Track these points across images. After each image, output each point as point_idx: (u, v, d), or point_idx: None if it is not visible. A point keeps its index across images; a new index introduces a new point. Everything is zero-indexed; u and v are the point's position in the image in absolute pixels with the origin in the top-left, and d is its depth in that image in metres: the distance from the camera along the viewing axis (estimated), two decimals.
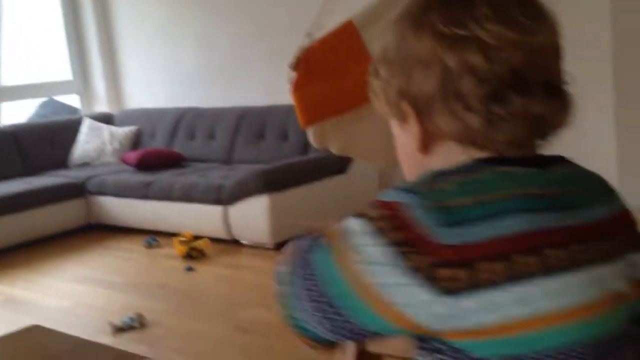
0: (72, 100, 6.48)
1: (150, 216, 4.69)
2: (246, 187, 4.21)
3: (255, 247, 4.24)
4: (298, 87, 3.09)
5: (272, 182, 4.18)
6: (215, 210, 4.33)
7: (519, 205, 0.69)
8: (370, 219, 0.70)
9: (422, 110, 0.76)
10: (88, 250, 4.56)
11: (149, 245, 4.45)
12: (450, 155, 0.76)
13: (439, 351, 0.69)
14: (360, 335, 0.73)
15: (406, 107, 0.77)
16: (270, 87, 5.01)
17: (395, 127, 0.82)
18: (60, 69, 6.22)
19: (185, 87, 5.75)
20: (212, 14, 5.45)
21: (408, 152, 0.81)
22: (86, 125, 5.70)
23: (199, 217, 4.41)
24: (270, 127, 4.99)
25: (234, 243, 4.36)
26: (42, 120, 6.05)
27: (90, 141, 5.63)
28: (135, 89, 6.11)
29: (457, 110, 0.72)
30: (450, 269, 0.65)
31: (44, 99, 6.52)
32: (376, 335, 0.72)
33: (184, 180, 4.64)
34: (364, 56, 2.77)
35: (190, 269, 3.91)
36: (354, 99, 2.86)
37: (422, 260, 0.66)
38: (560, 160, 0.78)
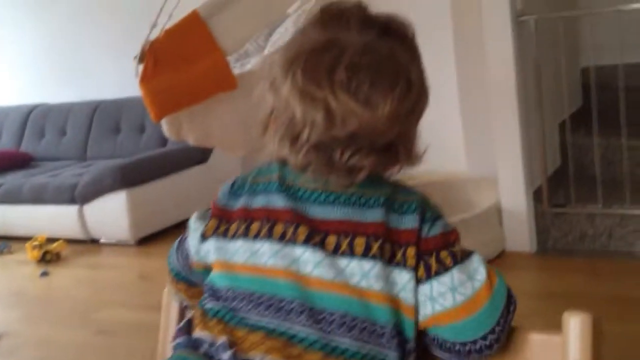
0: None
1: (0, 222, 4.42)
2: (102, 184, 4.06)
3: (116, 245, 4.10)
4: (146, 80, 3.00)
5: (130, 176, 4.06)
6: (70, 210, 4.14)
7: (269, 188, 0.90)
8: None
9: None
10: None
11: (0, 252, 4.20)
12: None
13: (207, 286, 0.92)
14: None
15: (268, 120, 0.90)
16: (124, 78, 4.82)
17: None
18: None
19: (33, 83, 5.45)
20: (56, 3, 5.19)
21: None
22: None
23: (53, 219, 4.20)
24: (126, 120, 4.83)
25: (93, 243, 4.20)
26: None
27: None
28: None
29: (286, 146, 0.84)
30: (211, 220, 0.93)
31: None
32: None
33: (34, 181, 4.40)
34: (211, 46, 2.74)
35: (45, 274, 3.72)
36: (205, 89, 2.82)
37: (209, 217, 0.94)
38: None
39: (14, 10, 5.38)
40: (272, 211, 0.87)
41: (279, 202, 0.87)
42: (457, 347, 0.83)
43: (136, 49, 2.62)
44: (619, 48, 2.95)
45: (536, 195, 3.21)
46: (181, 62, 2.68)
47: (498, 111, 3.12)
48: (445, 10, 3.46)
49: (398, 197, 0.87)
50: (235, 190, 0.93)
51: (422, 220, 0.85)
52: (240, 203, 0.91)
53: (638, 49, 3.04)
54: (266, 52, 3.18)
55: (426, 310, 0.82)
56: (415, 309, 0.82)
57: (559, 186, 3.35)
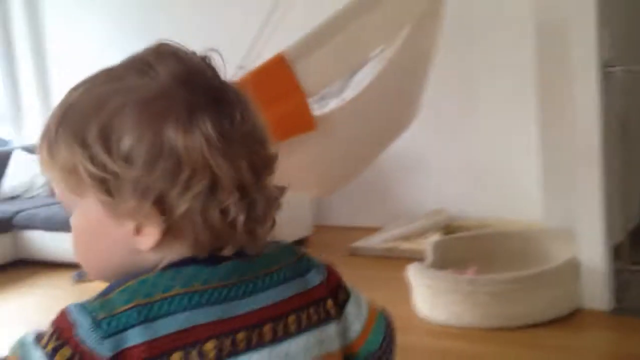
0: (3, 132, 6.33)
1: None
2: None
3: None
4: None
5: None
6: None
7: (178, 305, 0.69)
8: (43, 341, 0.68)
9: (170, 215, 0.70)
10: (14, 288, 4.41)
11: (79, 280, 4.34)
12: (167, 252, 0.73)
13: None
14: None
15: (149, 207, 0.69)
16: None
17: (97, 216, 0.72)
18: None
19: None
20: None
21: (117, 247, 0.73)
22: (16, 157, 5.57)
23: None
24: None
25: None
26: None
27: (20, 174, 5.50)
28: None
29: (215, 218, 0.70)
30: None
31: None
32: None
33: None
34: (294, 88, 2.81)
35: None
36: (285, 130, 2.89)
37: None
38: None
39: (108, 60, 5.67)
40: (196, 331, 0.70)
41: (200, 317, 0.70)
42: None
43: None
44: None
45: (615, 252, 3.11)
46: (264, 103, 2.75)
47: (580, 162, 3.05)
48: (530, 57, 3.44)
49: (290, 258, 0.81)
50: (114, 329, 0.67)
51: (318, 270, 0.83)
52: (134, 339, 0.67)
53: None
54: (346, 94, 3.24)
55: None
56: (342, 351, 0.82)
57: (638, 243, 3.24)
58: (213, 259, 0.73)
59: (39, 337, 0.68)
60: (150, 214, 0.69)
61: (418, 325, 3.02)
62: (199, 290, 0.71)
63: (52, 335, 0.67)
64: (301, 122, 2.81)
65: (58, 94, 6.18)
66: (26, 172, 5.50)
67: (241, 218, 0.71)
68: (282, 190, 0.78)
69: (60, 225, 4.66)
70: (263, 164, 0.74)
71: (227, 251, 0.73)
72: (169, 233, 0.71)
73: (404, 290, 3.18)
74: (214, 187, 0.69)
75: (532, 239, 3.49)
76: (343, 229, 4.85)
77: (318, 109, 3.18)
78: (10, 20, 5.99)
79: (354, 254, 4.16)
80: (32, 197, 5.35)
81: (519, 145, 4.00)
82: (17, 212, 4.91)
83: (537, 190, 3.51)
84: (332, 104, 3.20)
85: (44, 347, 0.67)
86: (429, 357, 2.79)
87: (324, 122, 2.87)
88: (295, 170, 3.04)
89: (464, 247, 3.56)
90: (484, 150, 4.23)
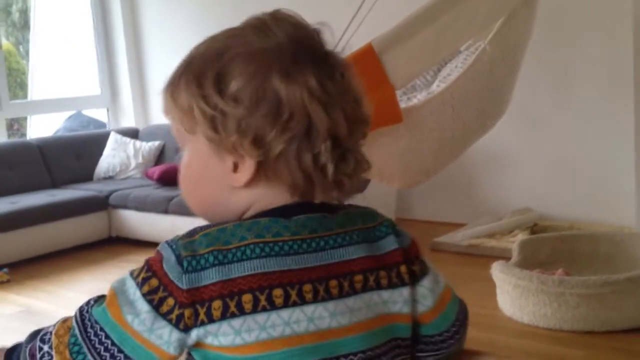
0: (100, 114, 6.59)
1: (170, 231, 4.70)
2: None
3: None
4: None
5: None
6: None
7: (250, 253, 0.77)
8: (135, 273, 0.79)
9: (266, 153, 0.79)
10: (108, 263, 4.62)
11: None
12: (260, 195, 0.82)
13: None
14: None
15: (248, 144, 0.78)
16: None
17: (203, 153, 0.82)
18: (90, 83, 6.34)
19: None
20: None
21: (216, 183, 0.83)
22: (112, 139, 5.79)
23: None
24: None
25: None
26: (68, 134, 6.15)
27: (115, 155, 5.71)
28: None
29: (307, 162, 0.79)
30: (184, 309, 0.76)
31: (71, 112, 6.64)
32: None
33: None
34: (382, 80, 2.79)
35: None
36: (372, 122, 2.88)
37: (170, 303, 0.76)
38: (339, 207, 0.86)
39: None
40: (265, 277, 0.77)
41: (270, 265, 0.77)
42: (434, 339, 0.90)
43: None
44: None
45: None
46: None
47: None
48: (628, 50, 3.30)
49: (368, 223, 0.87)
50: (193, 267, 0.77)
51: (398, 238, 0.88)
52: (209, 279, 0.76)
53: None
54: (434, 86, 3.20)
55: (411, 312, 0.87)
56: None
57: None
58: (288, 212, 0.81)
59: (133, 271, 0.80)
60: (249, 150, 0.78)
61: (503, 325, 2.95)
62: (269, 241, 0.78)
63: (143, 268, 0.79)
64: (388, 114, 2.79)
65: (152, 79, 6.36)
66: (121, 154, 5.71)
67: (331, 166, 0.79)
68: (369, 163, 0.85)
69: (150, 206, 4.83)
70: (357, 119, 0.82)
71: (317, 200, 0.82)
72: (264, 175, 0.80)
73: (488, 288, 3.12)
74: (309, 132, 0.78)
75: (622, 242, 3.35)
76: (425, 223, 4.80)
77: (405, 101, 3.15)
78: (108, 10, 6.22)
79: (436, 249, 4.11)
80: (125, 178, 5.56)
81: (614, 145, 3.84)
82: (112, 192, 5.13)
83: (633, 193, 3.37)
84: (420, 96, 3.16)
85: (136, 277, 0.79)
86: (514, 358, 2.72)
87: (410, 115, 2.84)
88: (380, 161, 3.03)
89: (551, 248, 3.46)
90: (576, 148, 4.09)
